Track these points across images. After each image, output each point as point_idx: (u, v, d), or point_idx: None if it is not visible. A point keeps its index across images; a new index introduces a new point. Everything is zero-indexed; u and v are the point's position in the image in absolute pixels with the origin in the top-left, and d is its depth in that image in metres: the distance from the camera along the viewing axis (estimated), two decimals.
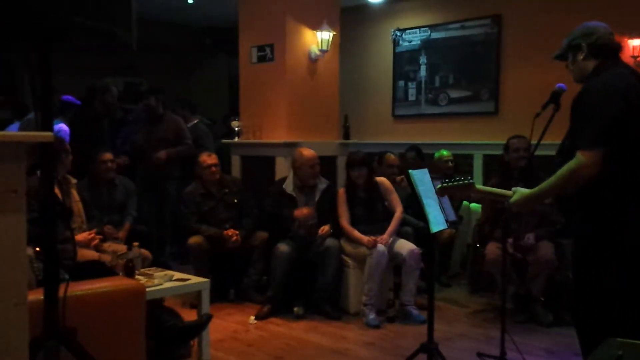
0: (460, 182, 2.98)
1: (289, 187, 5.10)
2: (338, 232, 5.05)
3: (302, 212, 4.95)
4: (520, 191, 2.81)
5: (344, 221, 5.03)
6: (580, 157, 2.52)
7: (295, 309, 4.84)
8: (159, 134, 6.11)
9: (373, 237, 4.80)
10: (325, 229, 4.95)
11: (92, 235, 4.46)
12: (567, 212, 2.88)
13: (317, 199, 5.10)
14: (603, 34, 2.74)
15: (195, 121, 7.04)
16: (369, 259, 4.73)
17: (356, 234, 4.91)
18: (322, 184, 5.17)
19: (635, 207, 2.55)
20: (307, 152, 5.11)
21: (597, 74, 2.68)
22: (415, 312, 4.70)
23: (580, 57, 2.76)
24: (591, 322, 2.66)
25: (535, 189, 2.74)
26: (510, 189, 2.92)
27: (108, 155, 5.21)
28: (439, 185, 3.06)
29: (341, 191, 5.18)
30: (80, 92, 6.49)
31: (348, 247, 4.97)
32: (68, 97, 6.23)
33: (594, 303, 2.64)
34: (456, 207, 5.72)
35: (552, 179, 2.64)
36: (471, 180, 2.97)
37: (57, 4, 2.04)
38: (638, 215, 2.55)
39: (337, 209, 5.08)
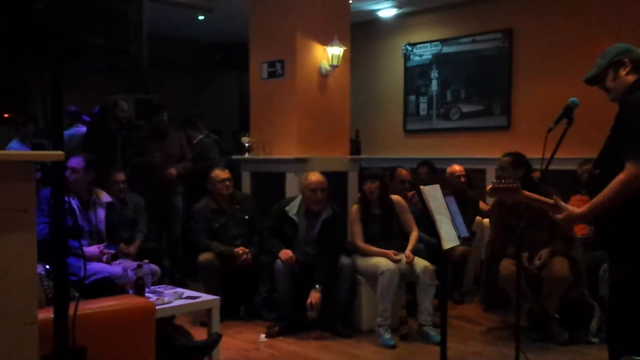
0: (509, 185, 3.03)
1: (292, 209, 4.99)
2: (350, 249, 5.01)
3: (286, 255, 4.77)
4: (571, 211, 2.85)
5: (359, 240, 4.98)
6: (630, 169, 2.52)
7: (309, 313, 4.76)
8: (167, 150, 6.14)
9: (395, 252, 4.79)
10: (315, 301, 4.66)
11: (102, 249, 4.43)
12: (603, 225, 2.87)
13: (317, 230, 4.93)
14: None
15: (201, 137, 7.05)
16: (381, 279, 4.66)
17: (375, 249, 4.87)
18: (326, 213, 4.96)
19: None
20: (313, 176, 4.94)
21: (637, 89, 2.72)
22: (433, 333, 4.56)
23: (624, 72, 2.81)
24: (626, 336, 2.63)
25: (587, 208, 2.79)
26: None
27: (121, 176, 5.26)
28: (490, 186, 3.11)
29: (354, 208, 5.13)
30: (91, 108, 6.55)
31: (361, 265, 4.92)
32: (72, 108, 6.31)
33: (629, 315, 2.61)
34: (469, 223, 5.67)
35: (604, 194, 2.65)
36: (519, 185, 3.05)
37: (69, 24, 2.04)
38: None
39: (351, 228, 5.05)
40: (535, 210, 3.04)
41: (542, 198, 3.06)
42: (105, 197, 4.67)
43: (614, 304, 2.73)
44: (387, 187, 5.19)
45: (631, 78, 2.79)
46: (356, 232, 5.01)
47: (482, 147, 7.45)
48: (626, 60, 2.81)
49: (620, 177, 2.57)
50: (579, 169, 5.56)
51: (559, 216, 2.88)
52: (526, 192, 3.08)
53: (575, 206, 2.98)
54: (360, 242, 4.97)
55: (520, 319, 3.67)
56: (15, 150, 6.07)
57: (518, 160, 4.77)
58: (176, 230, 6.27)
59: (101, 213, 4.57)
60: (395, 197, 5.18)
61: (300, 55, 5.90)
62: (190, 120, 7.21)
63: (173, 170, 6.07)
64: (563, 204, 2.90)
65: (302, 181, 5.01)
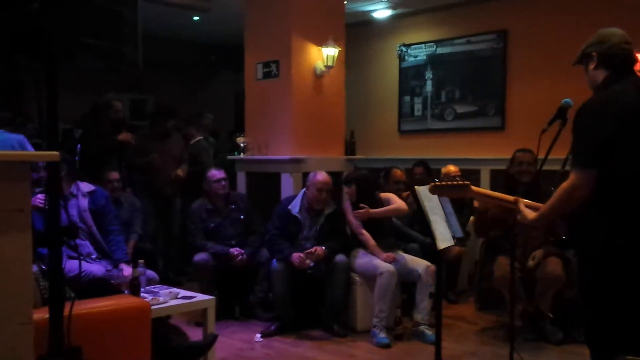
0: (455, 183, 2.96)
1: (295, 208, 5.00)
2: (346, 248, 5.02)
3: (298, 257, 4.75)
4: (525, 216, 2.80)
5: (360, 228, 5.00)
6: (572, 177, 2.51)
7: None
8: (168, 152, 6.16)
9: (388, 254, 4.81)
10: (318, 251, 4.77)
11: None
12: (571, 225, 2.87)
13: (320, 224, 4.98)
14: (616, 43, 2.62)
15: (198, 139, 7.05)
16: (379, 280, 4.68)
17: (374, 245, 4.90)
18: (329, 209, 5.04)
19: (627, 229, 2.51)
20: (320, 176, 4.98)
21: (605, 87, 2.61)
22: (429, 332, 4.58)
23: (591, 66, 2.67)
24: (597, 340, 2.64)
25: (537, 215, 2.75)
26: None
27: (114, 175, 5.22)
28: (431, 184, 3.02)
29: (347, 204, 5.18)
30: (85, 109, 6.52)
31: (359, 264, 4.93)
32: None
33: (597, 320, 2.62)
34: (463, 223, 5.68)
35: (550, 200, 2.63)
36: (467, 182, 2.95)
37: (65, 25, 2.05)
38: (630, 236, 2.51)
39: (346, 221, 5.08)
40: None
41: (501, 195, 3.02)
42: (86, 187, 4.47)
43: (583, 306, 2.74)
44: (369, 187, 5.15)
45: (600, 75, 2.63)
46: (354, 222, 5.03)
47: (477, 147, 7.46)
48: (594, 53, 2.64)
49: (564, 184, 2.53)
50: None
51: (517, 217, 2.84)
52: (476, 189, 3.00)
53: None
54: (361, 229, 4.99)
55: (514, 318, 3.68)
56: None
57: (535, 156, 4.78)
58: (175, 230, 6.29)
59: (83, 202, 4.38)
60: (384, 194, 5.20)
61: (295, 55, 5.91)
62: (195, 120, 7.19)
63: (180, 172, 6.14)
64: (521, 205, 2.82)
65: (310, 179, 5.03)
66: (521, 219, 2.83)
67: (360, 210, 4.96)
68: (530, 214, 2.79)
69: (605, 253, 2.54)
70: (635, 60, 2.69)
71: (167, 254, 6.24)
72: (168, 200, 6.20)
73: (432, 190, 3.04)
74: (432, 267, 4.74)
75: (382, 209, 5.01)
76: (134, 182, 6.04)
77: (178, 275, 6.21)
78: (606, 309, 2.56)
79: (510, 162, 4.91)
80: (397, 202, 5.09)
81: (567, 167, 2.72)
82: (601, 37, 2.66)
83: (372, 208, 5.03)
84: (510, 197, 2.89)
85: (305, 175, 5.61)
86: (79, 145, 6.08)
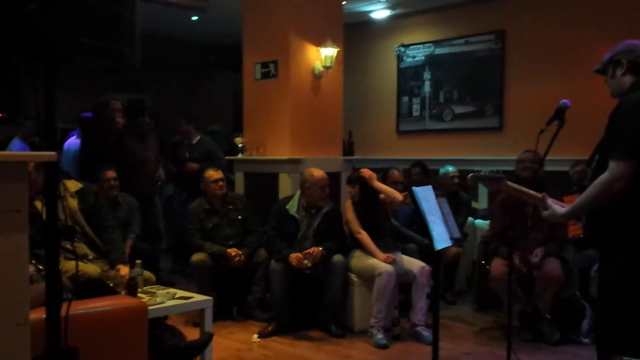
0: (492, 175, 3.02)
1: (292, 208, 5.01)
2: (343, 248, 5.02)
3: (296, 257, 4.74)
4: (554, 210, 2.84)
5: (359, 228, 5.00)
6: (612, 169, 2.53)
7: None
8: (147, 151, 6.09)
9: (388, 255, 4.80)
10: (315, 250, 4.78)
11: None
12: (595, 224, 2.88)
13: (318, 222, 4.99)
14: None
15: (200, 136, 7.00)
16: (377, 280, 4.67)
17: (372, 246, 4.89)
18: (326, 207, 5.05)
19: None
20: (318, 173, 5.00)
21: (633, 91, 2.71)
22: (426, 333, 4.58)
23: (619, 72, 2.79)
24: (609, 341, 2.65)
25: (570, 208, 2.78)
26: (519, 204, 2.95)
27: (111, 173, 5.16)
28: (471, 174, 3.10)
29: (348, 203, 5.18)
30: (84, 110, 6.50)
31: (357, 265, 4.93)
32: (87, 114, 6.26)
33: (618, 316, 2.63)
34: (461, 224, 5.69)
35: (586, 193, 2.66)
36: (503, 175, 3.03)
37: (62, 25, 2.04)
38: None
39: (346, 219, 5.09)
40: (538, 211, 3.04)
41: (529, 191, 3.07)
42: (73, 185, 4.22)
43: (603, 304, 2.75)
44: (372, 187, 5.14)
45: (628, 79, 2.76)
46: (354, 222, 5.03)
47: (475, 148, 7.47)
48: (624, 60, 2.77)
49: (602, 177, 2.56)
50: (571, 170, 5.59)
51: (544, 212, 2.89)
52: (510, 183, 3.07)
53: None
54: (360, 230, 4.99)
55: (512, 319, 3.69)
56: (17, 148, 6.04)
57: (536, 156, 4.85)
58: (159, 227, 6.27)
59: (73, 203, 4.12)
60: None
61: (293, 56, 5.91)
62: (193, 118, 7.16)
63: (162, 174, 6.14)
64: (549, 201, 2.89)
65: (308, 178, 5.00)
66: (549, 214, 2.87)
67: (366, 169, 5.07)
68: (560, 209, 2.84)
69: (631, 251, 2.56)
70: None
71: (155, 254, 6.16)
72: (147, 200, 6.12)
73: (471, 181, 3.16)
74: (427, 267, 4.74)
75: (384, 186, 5.04)
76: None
77: (174, 276, 6.20)
78: (626, 309, 2.57)
79: (516, 163, 4.99)
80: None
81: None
82: (631, 47, 2.80)
83: (374, 208, 5.04)
84: (538, 194, 2.94)
85: None
86: (71, 142, 6.07)
